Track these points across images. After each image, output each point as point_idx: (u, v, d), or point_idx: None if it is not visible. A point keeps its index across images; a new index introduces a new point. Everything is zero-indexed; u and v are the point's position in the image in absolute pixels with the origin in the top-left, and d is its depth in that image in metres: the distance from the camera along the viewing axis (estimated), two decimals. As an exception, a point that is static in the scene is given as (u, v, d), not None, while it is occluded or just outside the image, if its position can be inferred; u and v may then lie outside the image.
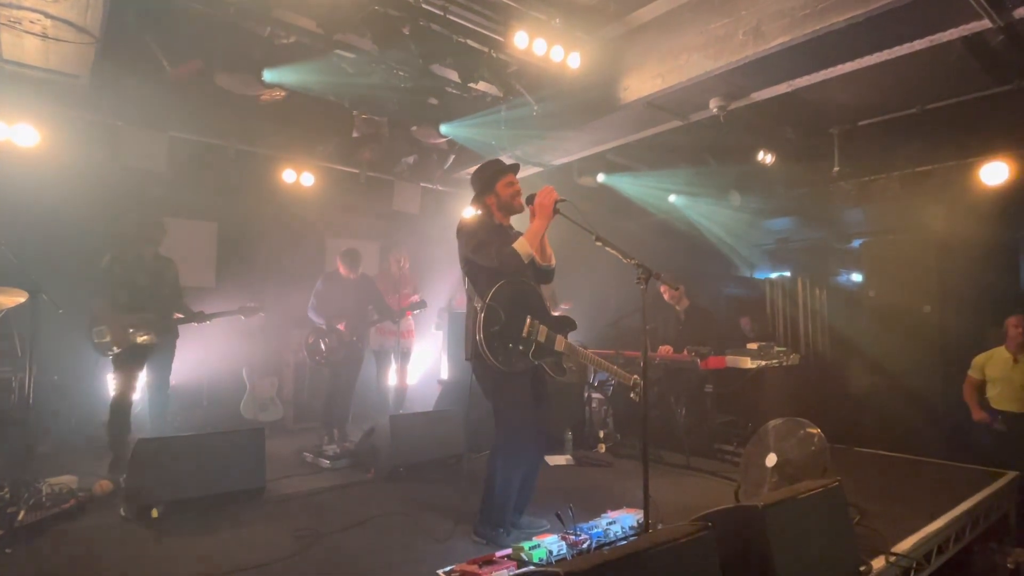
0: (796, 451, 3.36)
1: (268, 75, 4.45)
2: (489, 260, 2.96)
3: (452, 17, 4.14)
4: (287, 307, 5.86)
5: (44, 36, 3.95)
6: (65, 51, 4.15)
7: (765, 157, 5.91)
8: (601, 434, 5.40)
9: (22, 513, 3.18)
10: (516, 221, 3.33)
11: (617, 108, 4.87)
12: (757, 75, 4.43)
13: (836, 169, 5.82)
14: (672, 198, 7.17)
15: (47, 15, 3.72)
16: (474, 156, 6.03)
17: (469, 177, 3.33)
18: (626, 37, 4.66)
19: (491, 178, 3.18)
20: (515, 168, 3.23)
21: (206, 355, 5.90)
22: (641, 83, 4.65)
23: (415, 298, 5.88)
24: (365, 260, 5.72)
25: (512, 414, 3.00)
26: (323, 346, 5.31)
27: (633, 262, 2.71)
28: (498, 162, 3.25)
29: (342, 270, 5.44)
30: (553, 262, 3.24)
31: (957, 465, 4.67)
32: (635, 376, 3.16)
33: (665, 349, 5.44)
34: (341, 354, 5.33)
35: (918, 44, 3.86)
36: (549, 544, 2.70)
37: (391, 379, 6.11)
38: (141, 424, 4.76)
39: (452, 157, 6.55)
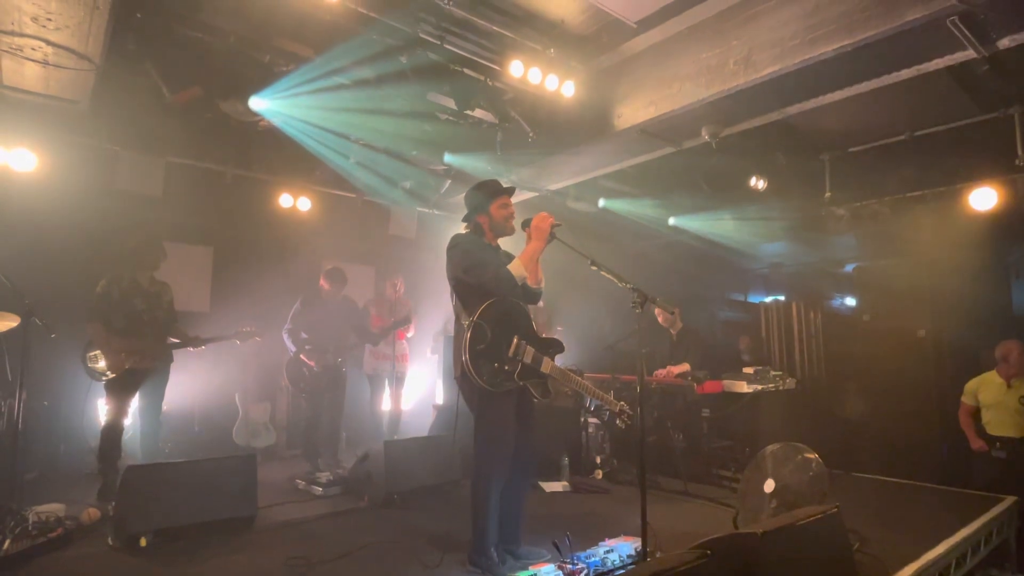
0: (794, 476, 3.33)
1: (256, 103, 4.48)
2: (483, 279, 2.96)
3: (449, 47, 4.21)
4: (282, 330, 5.82)
5: (45, 63, 3.99)
6: (65, 77, 4.19)
7: (758, 183, 5.97)
8: (598, 460, 5.33)
9: (7, 542, 3.10)
10: (505, 243, 3.34)
11: (611, 135, 4.93)
12: (748, 103, 4.49)
13: (828, 194, 5.87)
14: (672, 220, 7.23)
15: (49, 42, 3.76)
16: (470, 180, 6.05)
17: (463, 197, 3.34)
18: (619, 66, 4.74)
19: (486, 198, 3.19)
20: (511, 191, 3.25)
21: (199, 380, 5.84)
22: (634, 111, 4.71)
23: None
24: (361, 284, 5.72)
25: (491, 433, 2.98)
26: (306, 371, 5.27)
27: (629, 286, 2.72)
28: (495, 183, 3.27)
29: (324, 286, 5.41)
30: (542, 284, 3.24)
31: (956, 490, 4.62)
32: (621, 403, 3.13)
33: (661, 373, 5.42)
34: (325, 380, 5.29)
35: (905, 73, 3.93)
36: (546, 574, 2.65)
37: (385, 404, 6.05)
38: (132, 450, 4.68)
39: (448, 182, 6.60)
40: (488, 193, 3.20)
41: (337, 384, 5.39)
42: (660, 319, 5.69)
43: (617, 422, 3.11)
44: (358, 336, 5.59)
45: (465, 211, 3.30)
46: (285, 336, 5.34)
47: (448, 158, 5.60)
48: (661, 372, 5.43)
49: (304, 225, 6.49)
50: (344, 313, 5.50)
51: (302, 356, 5.25)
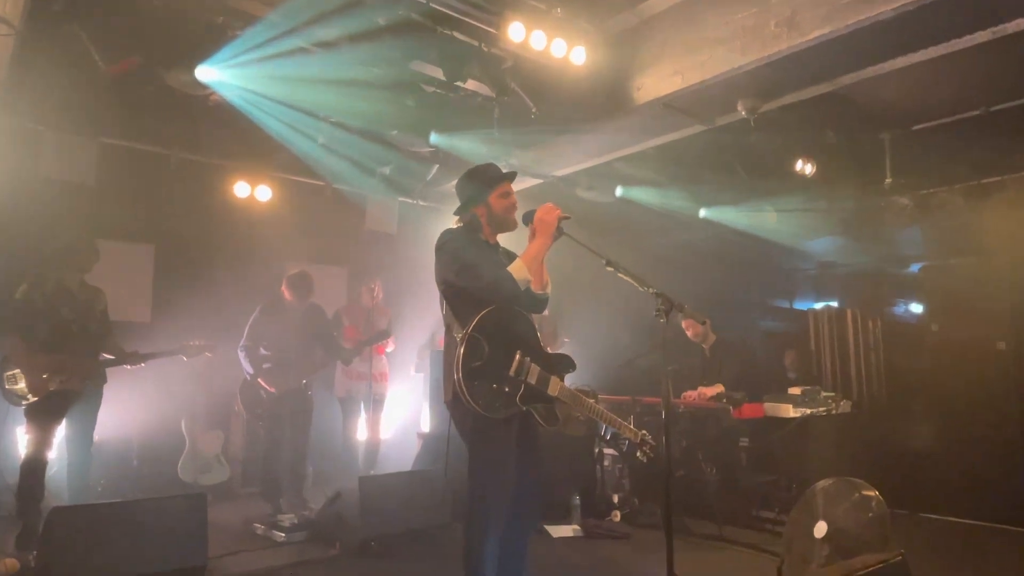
0: (850, 518, 3.34)
1: (205, 73, 4.50)
2: (479, 283, 2.97)
3: (435, 4, 4.23)
4: (237, 345, 5.82)
5: (-46, 26, 4.01)
6: (-22, 44, 4.22)
7: (804, 167, 6.00)
8: (616, 498, 5.34)
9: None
10: (505, 241, 3.36)
11: (629, 111, 4.95)
12: (793, 72, 4.51)
13: (888, 180, 5.90)
14: (703, 212, 7.25)
15: (-42, 2, 3.79)
16: (462, 165, 6.08)
17: (455, 186, 3.35)
18: (639, 29, 4.76)
19: (483, 186, 3.18)
20: (512, 176, 3.25)
21: (138, 404, 5.84)
22: (657, 81, 4.73)
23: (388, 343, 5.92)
24: (332, 289, 5.74)
25: (488, 468, 2.97)
26: (264, 395, 5.28)
27: (651, 291, 2.73)
28: (493, 168, 3.27)
29: (287, 295, 5.45)
30: (549, 290, 3.25)
31: (1043, 534, 4.64)
32: (642, 432, 3.14)
33: (691, 395, 5.43)
34: (287, 405, 5.31)
35: (980, 36, 3.94)
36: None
37: (361, 432, 6.06)
38: (57, 489, 4.68)
39: (436, 167, 6.63)
40: (485, 180, 3.21)
41: (302, 410, 5.40)
42: (689, 332, 5.72)
43: (638, 454, 3.12)
44: (327, 352, 5.60)
45: (456, 202, 3.31)
46: (241, 355, 5.36)
47: (435, 139, 5.63)
48: (691, 394, 5.44)
49: (263, 219, 6.51)
50: (311, 325, 5.52)
51: (260, 379, 5.27)
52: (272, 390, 5.26)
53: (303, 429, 5.45)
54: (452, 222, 3.32)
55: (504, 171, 3.26)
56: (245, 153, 6.23)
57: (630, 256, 3.00)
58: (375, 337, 5.78)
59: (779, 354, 7.39)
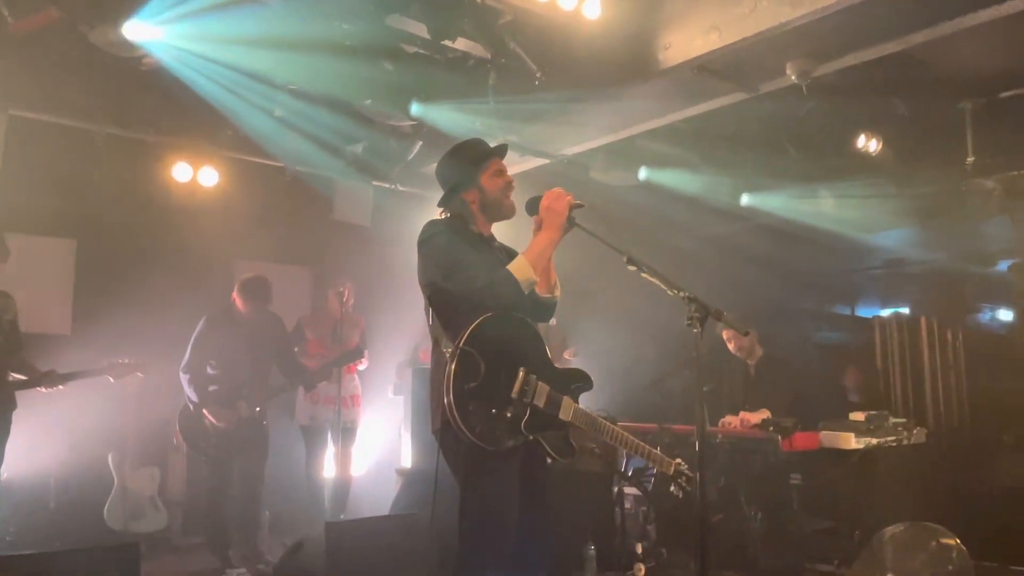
0: (926, 572, 3.33)
1: (135, 30, 4.47)
2: (472, 286, 2.96)
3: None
4: (177, 365, 5.81)
5: None
6: None
7: (868, 144, 5.99)
8: (639, 549, 5.30)
9: None
10: (504, 236, 3.35)
11: (655, 75, 4.94)
12: (853, 28, 4.50)
13: (970, 160, 5.89)
14: (746, 199, 7.23)
15: None
16: (449, 143, 6.05)
17: (435, 170, 3.34)
18: (666, -25, 4.78)
19: (471, 166, 3.18)
20: (503, 151, 3.25)
21: (56, 435, 5.83)
22: (688, 40, 4.72)
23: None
24: (292, 293, 5.73)
25: (485, 511, 2.95)
26: (209, 424, 5.26)
27: (683, 295, 2.72)
28: (479, 142, 3.28)
29: (239, 304, 5.45)
30: (557, 293, 3.25)
31: None
32: (677, 460, 3.13)
33: (732, 421, 5.41)
34: (237, 437, 5.31)
35: (1082, -16, 3.95)
36: None
37: (328, 468, 6.04)
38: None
39: (418, 145, 6.62)
40: (472, 159, 3.20)
41: (255, 442, 5.40)
42: (731, 345, 5.70)
43: (671, 488, 3.10)
44: (287, 374, 5.58)
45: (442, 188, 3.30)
46: (184, 379, 5.34)
47: (417, 110, 5.60)
48: (732, 420, 5.42)
49: (209, 208, 6.51)
50: (268, 340, 5.51)
51: (206, 410, 5.27)
52: (220, 424, 5.24)
53: (257, 465, 5.44)
54: (437, 213, 3.31)
55: (493, 145, 3.26)
56: (186, 128, 6.21)
57: (656, 252, 3.00)
58: (345, 357, 5.76)
59: (838, 372, 7.36)
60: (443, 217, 3.26)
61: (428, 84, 5.50)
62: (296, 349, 6.01)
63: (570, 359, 7.26)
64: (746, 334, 5.47)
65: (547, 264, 3.12)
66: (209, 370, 5.38)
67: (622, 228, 2.98)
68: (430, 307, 3.12)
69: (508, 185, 3.20)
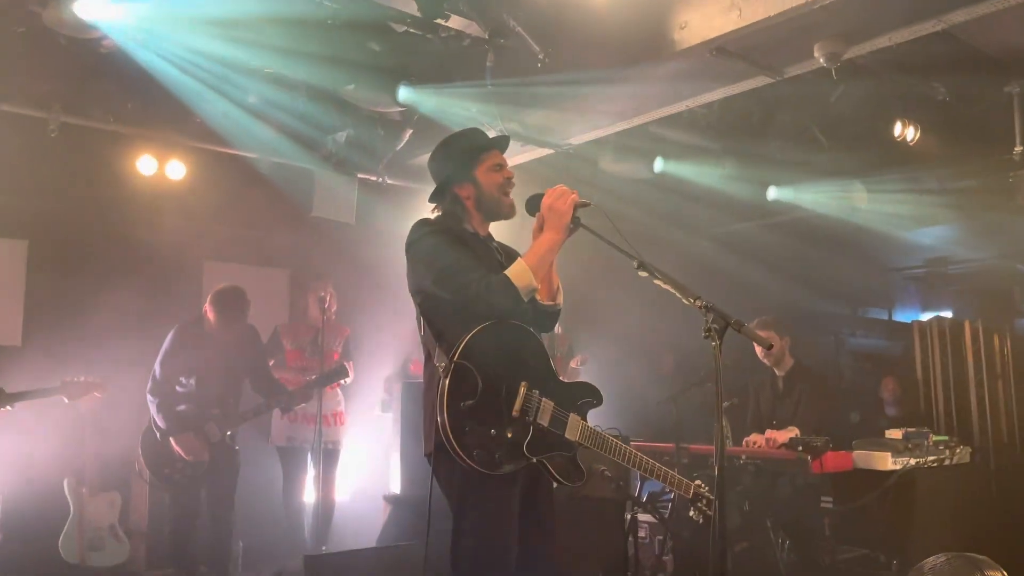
0: (972, 608, 3.32)
1: (91, 9, 4.45)
2: (466, 292, 2.96)
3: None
4: (140, 381, 5.80)
5: None
6: None
7: (905, 131, 5.98)
8: (653, 582, 5.32)
9: None
10: (499, 235, 3.35)
11: (670, 56, 4.94)
12: (887, 6, 4.50)
13: (1018, 149, 5.88)
14: (773, 193, 7.23)
15: None
16: (442, 131, 6.06)
17: (428, 162, 3.33)
18: (682, -55, 4.78)
19: (466, 158, 3.17)
20: (503, 143, 3.25)
21: (3, 458, 5.82)
22: (707, 18, 4.72)
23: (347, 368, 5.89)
24: (269, 298, 5.72)
25: (482, 542, 2.94)
26: (174, 449, 5.25)
27: (699, 304, 2.71)
28: (476, 132, 3.28)
29: (210, 317, 5.43)
30: (560, 300, 3.24)
31: None
32: (697, 482, 3.12)
33: (757, 440, 5.39)
34: (204, 463, 5.31)
35: None
36: None
37: (308, 493, 6.03)
38: None
39: (407, 134, 6.62)
40: (467, 150, 3.19)
41: (223, 466, 5.38)
42: (761, 353, 5.68)
43: (691, 513, 3.09)
44: (261, 392, 5.60)
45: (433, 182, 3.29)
46: (152, 405, 5.32)
47: (405, 94, 5.58)
48: (757, 439, 5.40)
49: (177, 204, 6.50)
50: (241, 353, 5.52)
51: (173, 440, 5.25)
52: (190, 458, 5.23)
53: (226, 491, 5.43)
54: (428, 211, 3.31)
55: (492, 136, 3.26)
56: (151, 117, 6.20)
57: (672, 253, 2.99)
58: (328, 377, 5.73)
59: (874, 383, 7.37)
60: (434, 215, 3.25)
61: (418, 66, 5.50)
62: (272, 361, 6.00)
63: (578, 368, 7.25)
64: (769, 347, 5.46)
65: (549, 267, 3.11)
66: (179, 388, 5.36)
67: (634, 227, 2.96)
68: (420, 316, 3.11)
69: (507, 181, 3.18)
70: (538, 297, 3.10)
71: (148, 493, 6.36)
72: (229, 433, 5.39)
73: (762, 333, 5.66)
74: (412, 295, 3.14)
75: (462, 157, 3.19)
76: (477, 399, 2.86)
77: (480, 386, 2.87)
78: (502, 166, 3.20)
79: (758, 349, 5.68)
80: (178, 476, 5.30)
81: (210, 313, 5.42)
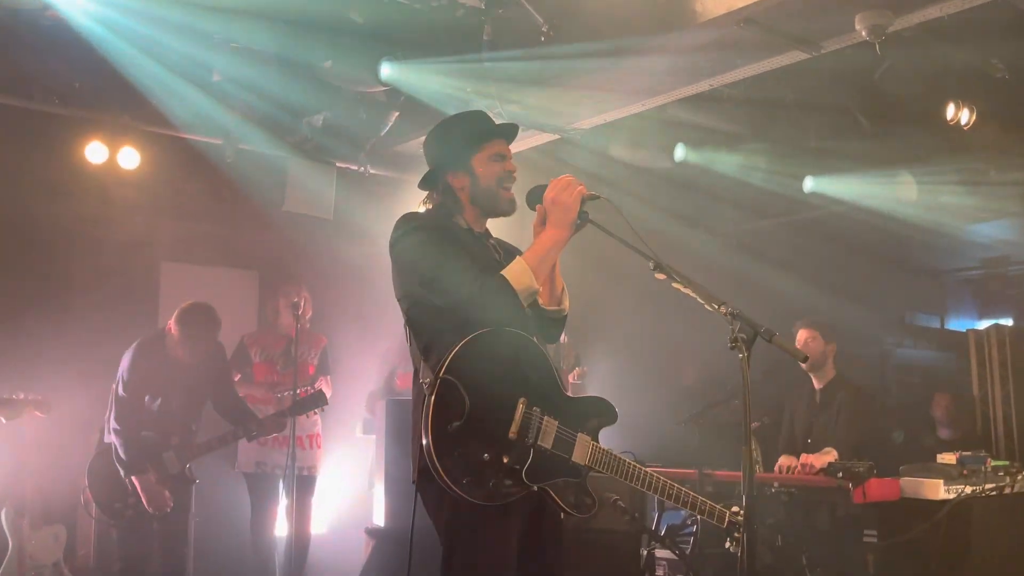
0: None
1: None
2: (456, 295, 2.96)
3: None
4: (88, 398, 5.81)
5: None
6: None
7: (959, 115, 5.99)
8: (673, 627, 5.33)
9: None
10: (499, 231, 3.36)
11: (691, 29, 4.96)
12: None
13: (1090, 134, 5.90)
14: (810, 184, 7.24)
15: None
16: (432, 115, 6.08)
17: (423, 146, 3.34)
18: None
19: (464, 144, 3.17)
20: (509, 131, 3.25)
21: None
22: (734, -16, 4.75)
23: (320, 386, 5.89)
24: (235, 304, 5.75)
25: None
26: (129, 486, 5.27)
27: (724, 310, 2.72)
28: (479, 116, 3.29)
29: (174, 335, 5.44)
30: (566, 305, 3.25)
31: None
32: (734, 508, 3.12)
33: (792, 464, 5.39)
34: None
35: None
36: None
37: (280, 526, 6.06)
38: None
39: (393, 116, 6.62)
40: (467, 136, 3.19)
41: (177, 503, 5.39)
42: (806, 363, 5.66)
43: (727, 545, 3.08)
44: (226, 415, 5.64)
45: (423, 171, 3.29)
46: (116, 432, 5.31)
47: (389, 71, 5.59)
48: (790, 463, 5.40)
49: (131, 197, 6.52)
50: (204, 372, 5.54)
51: (136, 479, 5.24)
52: (150, 508, 5.23)
53: (179, 525, 5.46)
54: (418, 203, 3.32)
55: (497, 123, 3.25)
56: (102, 98, 6.22)
57: (695, 252, 3.00)
58: (303, 404, 5.75)
59: (923, 400, 7.37)
60: (423, 208, 3.26)
61: (405, 40, 5.51)
62: (238, 376, 6.00)
63: (577, 382, 7.23)
64: (804, 359, 5.45)
65: (550, 268, 3.11)
66: (144, 413, 5.38)
67: (649, 223, 2.98)
68: (407, 325, 3.12)
69: (507, 174, 3.17)
70: (541, 302, 3.12)
71: (94, 529, 6.36)
72: (188, 466, 5.41)
73: (805, 332, 5.66)
74: (398, 300, 3.14)
75: (460, 142, 3.19)
76: (466, 419, 2.84)
77: (468, 405, 2.85)
78: (504, 157, 3.19)
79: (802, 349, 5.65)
80: (131, 512, 5.30)
81: (175, 331, 5.42)
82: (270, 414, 5.74)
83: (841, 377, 5.68)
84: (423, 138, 3.33)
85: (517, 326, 3.03)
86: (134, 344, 5.50)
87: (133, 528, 5.36)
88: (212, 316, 5.50)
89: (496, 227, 3.34)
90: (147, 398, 5.38)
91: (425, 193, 3.31)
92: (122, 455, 5.24)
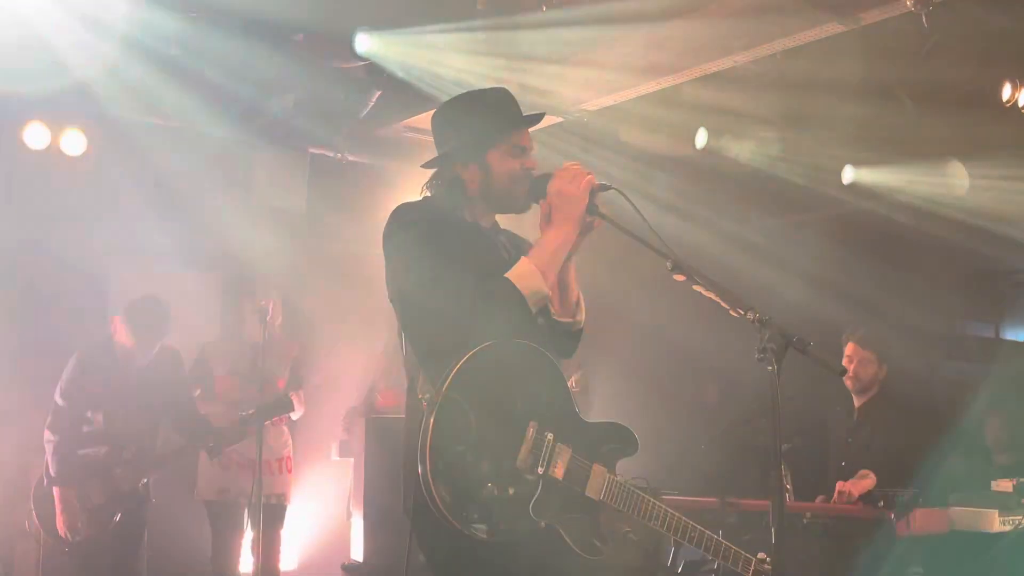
0: None
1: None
2: (454, 302, 2.93)
3: None
4: (28, 414, 5.80)
5: None
6: None
7: (1016, 95, 5.99)
8: None
9: None
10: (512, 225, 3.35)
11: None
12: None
13: None
14: (849, 175, 7.24)
15: None
16: (419, 98, 6.13)
17: (431, 120, 3.29)
18: None
19: (486, 128, 3.14)
20: (535, 120, 3.24)
21: None
22: (762, -54, 4.76)
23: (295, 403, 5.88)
24: (196, 309, 5.72)
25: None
26: (76, 505, 5.26)
27: (752, 316, 2.69)
28: (503, 98, 3.25)
29: (122, 337, 5.45)
30: (581, 316, 3.23)
31: None
32: (760, 554, 3.09)
33: (845, 490, 5.37)
34: (108, 519, 5.33)
35: None
36: None
37: (244, 561, 6.05)
38: None
39: (375, 95, 6.60)
40: (491, 120, 3.16)
41: (130, 526, 5.40)
42: (850, 365, 5.64)
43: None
44: (182, 431, 5.61)
45: (423, 155, 3.27)
46: (48, 443, 5.30)
47: (365, 43, 5.58)
48: (846, 489, 5.37)
49: (76, 187, 6.53)
50: (160, 383, 5.53)
51: (57, 490, 5.23)
52: (62, 531, 5.21)
53: (131, 556, 5.45)
54: (409, 193, 3.30)
55: (524, 113, 3.21)
56: (41, 75, 6.19)
57: (718, 250, 2.98)
58: (268, 409, 5.72)
59: (975, 418, 7.37)
60: (422, 198, 3.22)
61: (385, 6, 5.50)
62: (198, 391, 5.99)
63: (576, 389, 7.20)
64: (843, 373, 5.43)
65: (559, 269, 3.07)
66: (85, 427, 5.36)
67: (667, 218, 2.95)
68: (401, 332, 3.11)
69: (526, 172, 3.14)
70: (553, 312, 3.11)
71: (40, 557, 6.33)
72: (145, 481, 5.37)
73: (859, 351, 5.65)
74: (391, 302, 3.12)
75: (477, 131, 3.16)
76: (469, 445, 2.83)
77: (473, 427, 2.83)
78: (525, 151, 3.17)
79: (849, 365, 5.62)
80: (79, 539, 5.29)
81: (122, 331, 5.43)
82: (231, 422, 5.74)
83: (884, 394, 5.68)
84: (408, 120, 3.31)
85: (526, 336, 2.99)
86: (76, 352, 5.49)
87: (83, 552, 5.34)
88: (163, 308, 5.53)
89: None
90: (89, 412, 5.37)
91: (426, 185, 3.27)
92: (50, 466, 5.26)
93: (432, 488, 2.77)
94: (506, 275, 2.95)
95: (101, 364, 5.44)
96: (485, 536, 2.84)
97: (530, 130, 3.23)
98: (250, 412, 5.70)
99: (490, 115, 3.19)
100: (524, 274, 2.96)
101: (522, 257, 3.03)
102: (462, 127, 3.19)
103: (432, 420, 2.79)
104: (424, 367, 2.98)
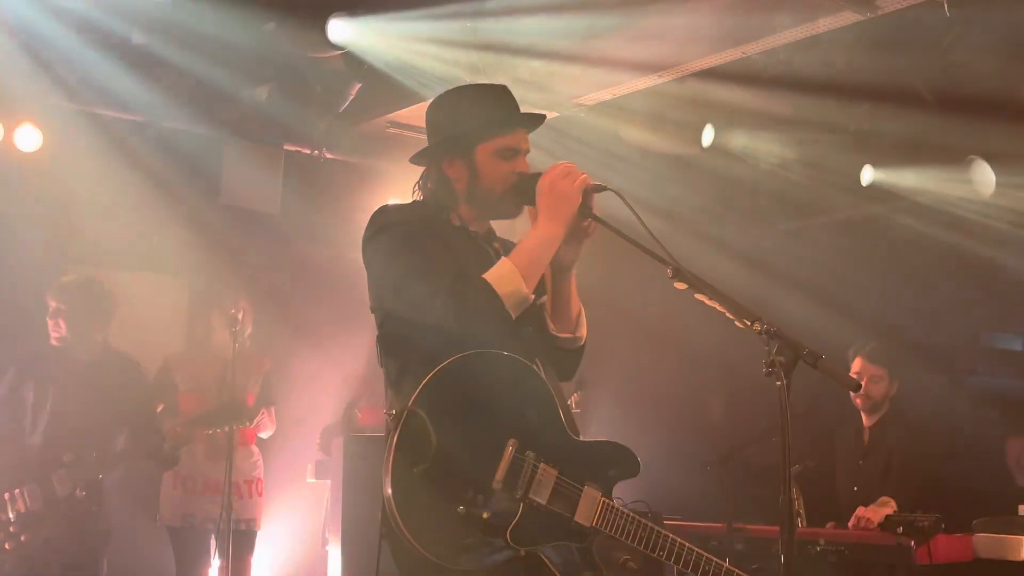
0: None
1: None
2: (427, 307, 2.92)
3: None
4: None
5: None
6: None
7: (1048, 91, 6.03)
8: None
9: None
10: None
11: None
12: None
13: None
14: (867, 175, 7.26)
15: None
16: (403, 92, 6.13)
17: (426, 112, 3.31)
18: None
19: (471, 128, 3.14)
20: (535, 121, 3.24)
21: None
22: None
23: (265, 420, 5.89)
24: (160, 318, 5.72)
25: None
26: (12, 515, 5.27)
27: (759, 328, 2.71)
28: (501, 95, 3.25)
29: (59, 328, 5.45)
30: (582, 333, 3.24)
31: None
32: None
33: (865, 516, 5.39)
34: (54, 530, 5.31)
35: None
36: None
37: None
38: None
39: (355, 87, 6.61)
40: (474, 119, 3.16)
41: (80, 543, 5.40)
42: (863, 379, 5.65)
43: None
44: (134, 439, 5.58)
45: (407, 153, 3.28)
46: None
47: (339, 29, 5.59)
48: (864, 515, 5.39)
49: (30, 185, 6.55)
50: (117, 397, 5.52)
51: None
52: (21, 508, 5.23)
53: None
54: (392, 195, 3.32)
55: (524, 111, 3.23)
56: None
57: (723, 257, 3.00)
58: (226, 411, 5.74)
59: (1001, 440, 7.39)
60: (412, 201, 3.24)
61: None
62: (160, 408, 5.97)
63: (576, 410, 7.18)
64: (857, 388, 5.46)
65: (541, 267, 3.04)
66: (28, 439, 5.41)
67: (667, 222, 2.97)
68: (378, 342, 3.12)
69: (517, 179, 3.11)
70: (552, 328, 3.13)
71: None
72: (84, 493, 5.37)
73: (869, 368, 5.67)
74: (372, 312, 3.14)
75: (466, 124, 3.17)
76: (431, 463, 2.81)
77: (435, 444, 2.81)
78: (516, 153, 3.14)
79: (862, 381, 5.63)
80: (16, 552, 5.30)
81: (57, 316, 5.44)
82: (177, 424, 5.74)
83: (895, 412, 5.70)
84: (391, 115, 3.32)
85: (509, 345, 2.97)
86: (12, 368, 5.55)
87: (30, 565, 5.33)
88: (101, 291, 5.58)
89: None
90: (29, 417, 5.42)
91: (417, 185, 3.27)
92: None
93: (394, 509, 2.76)
94: (483, 276, 2.90)
95: (40, 368, 5.49)
96: (452, 564, 2.82)
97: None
98: (202, 412, 5.69)
99: (483, 109, 3.18)
100: (502, 275, 2.92)
101: (502, 258, 3.01)
102: (452, 120, 3.19)
103: (395, 437, 2.79)
104: (401, 380, 2.99)
